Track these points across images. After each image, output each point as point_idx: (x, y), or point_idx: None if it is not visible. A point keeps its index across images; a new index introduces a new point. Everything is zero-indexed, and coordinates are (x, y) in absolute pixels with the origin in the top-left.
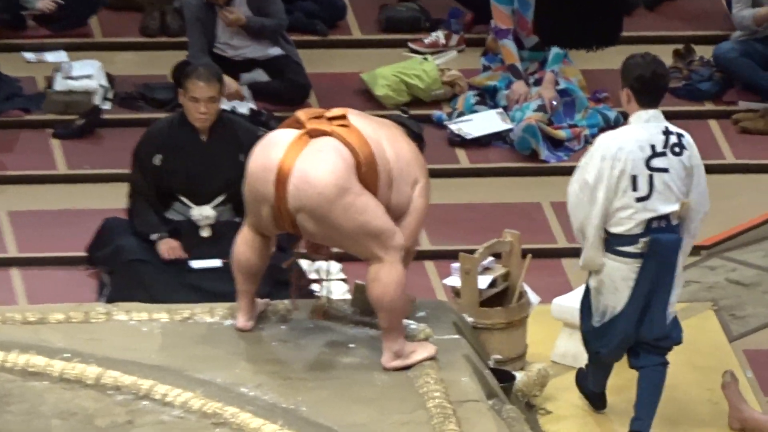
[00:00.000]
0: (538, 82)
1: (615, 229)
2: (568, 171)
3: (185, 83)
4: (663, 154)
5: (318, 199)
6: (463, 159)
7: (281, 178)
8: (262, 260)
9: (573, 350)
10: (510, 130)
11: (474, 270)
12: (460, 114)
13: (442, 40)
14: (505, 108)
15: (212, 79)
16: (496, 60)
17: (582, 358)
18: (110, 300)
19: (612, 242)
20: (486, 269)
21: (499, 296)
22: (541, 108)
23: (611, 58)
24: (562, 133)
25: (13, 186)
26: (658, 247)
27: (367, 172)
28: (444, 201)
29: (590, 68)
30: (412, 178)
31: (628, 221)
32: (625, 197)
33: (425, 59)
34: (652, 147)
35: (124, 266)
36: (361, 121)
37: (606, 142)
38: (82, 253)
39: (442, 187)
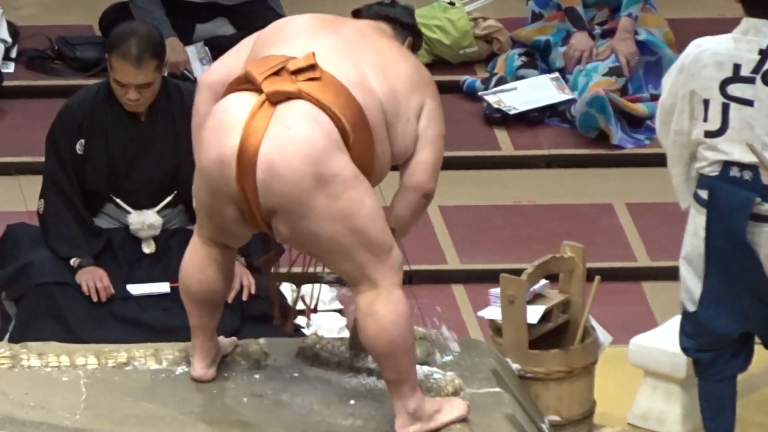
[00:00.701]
0: (607, 35)
1: (696, 163)
2: (650, 160)
3: (109, 56)
4: (749, 80)
5: (291, 196)
6: (505, 143)
7: (245, 172)
8: (223, 282)
9: (658, 408)
10: (569, 102)
11: (521, 297)
12: (501, 80)
13: None
14: (562, 71)
15: (145, 58)
16: (549, 5)
17: (671, 420)
18: (16, 338)
19: (697, 181)
20: (537, 296)
21: (556, 334)
22: (613, 71)
23: (708, 3)
24: (641, 107)
25: None
26: (716, 199)
27: (358, 138)
28: (479, 201)
29: (679, 17)
30: (416, 106)
31: (702, 157)
32: (698, 126)
33: (451, 4)
34: (736, 68)
35: (35, 291)
36: (335, 56)
37: (688, 50)
38: None
39: (476, 182)
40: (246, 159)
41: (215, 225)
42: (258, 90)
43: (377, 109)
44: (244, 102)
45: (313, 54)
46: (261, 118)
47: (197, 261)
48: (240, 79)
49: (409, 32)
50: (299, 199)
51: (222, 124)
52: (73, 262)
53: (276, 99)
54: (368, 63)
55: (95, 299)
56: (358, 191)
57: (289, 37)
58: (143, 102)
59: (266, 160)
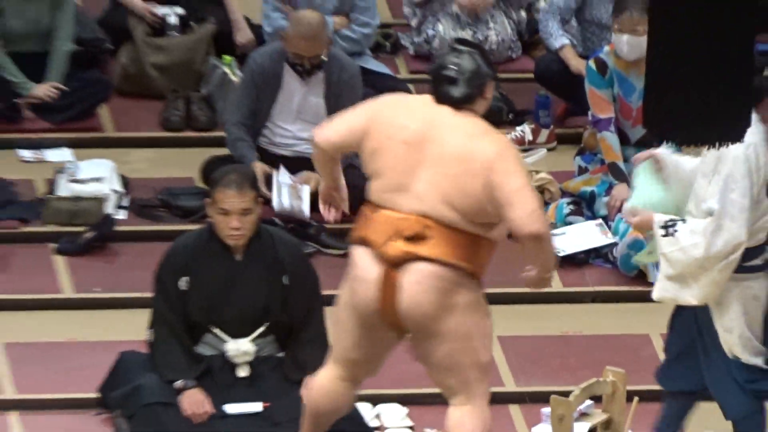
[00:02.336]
0: None
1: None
2: None
3: (213, 192)
4: None
5: (424, 326)
6: (555, 281)
7: (388, 314)
8: (344, 410)
9: None
10: (612, 245)
11: (569, 416)
12: (552, 226)
13: (529, 136)
14: (606, 218)
15: (245, 185)
16: (594, 160)
17: None
18: None
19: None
20: (583, 415)
21: None
22: None
23: None
24: None
25: (9, 313)
26: None
27: (479, 260)
28: (531, 332)
29: None
30: (488, 189)
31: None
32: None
33: None
34: None
35: (144, 410)
36: (433, 194)
37: (743, 154)
38: (94, 395)
39: (529, 316)
40: (388, 309)
41: (360, 347)
42: (377, 250)
43: (480, 229)
44: (373, 267)
45: (420, 222)
46: (392, 279)
47: (331, 385)
48: (357, 240)
49: (482, 84)
50: (431, 327)
51: (364, 283)
52: (177, 384)
53: (397, 263)
54: (456, 190)
55: (195, 423)
56: (477, 315)
57: (395, 167)
58: (244, 233)
59: (404, 310)
